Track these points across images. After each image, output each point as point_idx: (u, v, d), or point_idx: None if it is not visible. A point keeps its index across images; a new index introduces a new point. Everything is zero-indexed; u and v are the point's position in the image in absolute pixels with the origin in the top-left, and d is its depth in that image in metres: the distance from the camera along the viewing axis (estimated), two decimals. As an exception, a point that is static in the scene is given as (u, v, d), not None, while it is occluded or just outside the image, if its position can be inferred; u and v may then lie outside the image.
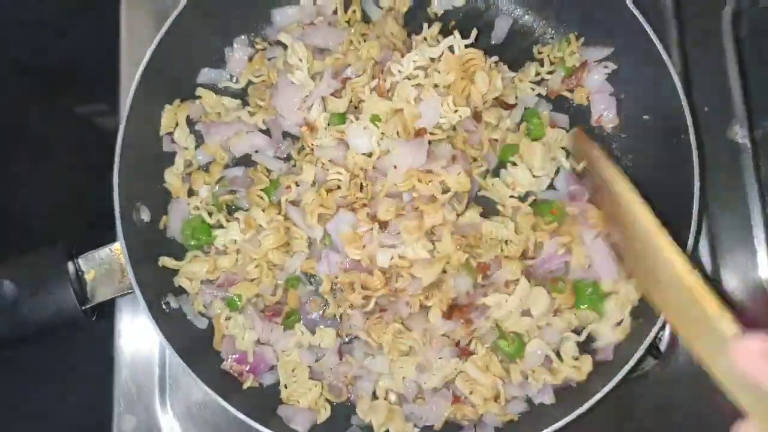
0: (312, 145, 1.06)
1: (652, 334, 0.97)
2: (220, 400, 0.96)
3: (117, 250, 0.99)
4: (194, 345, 1.03)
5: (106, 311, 1.12)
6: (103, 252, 1.00)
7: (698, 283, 0.57)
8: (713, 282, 1.14)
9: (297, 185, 1.05)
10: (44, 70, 1.26)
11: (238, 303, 1.04)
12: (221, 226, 1.07)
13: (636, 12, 1.04)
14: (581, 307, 1.04)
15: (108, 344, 1.13)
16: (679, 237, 0.99)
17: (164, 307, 1.03)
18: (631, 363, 0.97)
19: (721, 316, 0.52)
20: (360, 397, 1.04)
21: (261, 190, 1.06)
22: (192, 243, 1.07)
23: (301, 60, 1.07)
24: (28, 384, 1.17)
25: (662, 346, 1.13)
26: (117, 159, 0.99)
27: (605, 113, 1.14)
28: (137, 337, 1.14)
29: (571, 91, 1.16)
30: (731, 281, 1.17)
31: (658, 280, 0.68)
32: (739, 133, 1.20)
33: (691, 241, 0.99)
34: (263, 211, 1.04)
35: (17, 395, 1.15)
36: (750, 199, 1.18)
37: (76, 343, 1.19)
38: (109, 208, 0.98)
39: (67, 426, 1.15)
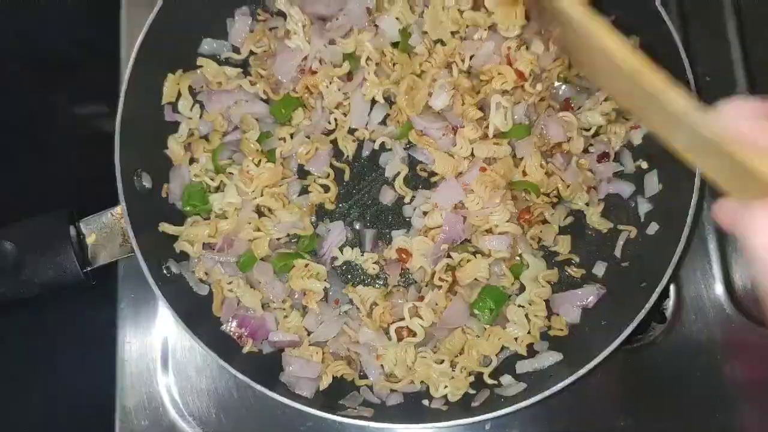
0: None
1: (652, 299, 0.97)
2: (221, 361, 0.96)
3: (118, 214, 1.00)
4: (195, 310, 1.04)
5: (109, 294, 1.14)
6: (105, 216, 1.01)
7: (642, 65, 0.54)
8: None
9: (292, 137, 1.06)
10: (46, 65, 1.26)
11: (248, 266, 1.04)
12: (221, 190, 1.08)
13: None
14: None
15: (110, 321, 1.14)
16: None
17: (165, 272, 1.03)
18: (630, 328, 0.96)
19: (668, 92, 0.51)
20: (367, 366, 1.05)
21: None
22: (187, 209, 1.08)
23: (297, 25, 1.08)
24: (32, 366, 1.18)
25: (668, 313, 1.12)
26: (118, 126, 1.00)
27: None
28: (140, 316, 1.14)
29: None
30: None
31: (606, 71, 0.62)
32: (742, 102, 1.18)
33: (689, 218, 0.98)
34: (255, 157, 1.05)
35: (19, 377, 1.16)
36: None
37: (77, 325, 1.20)
38: (111, 176, 0.99)
39: (73, 402, 1.16)
